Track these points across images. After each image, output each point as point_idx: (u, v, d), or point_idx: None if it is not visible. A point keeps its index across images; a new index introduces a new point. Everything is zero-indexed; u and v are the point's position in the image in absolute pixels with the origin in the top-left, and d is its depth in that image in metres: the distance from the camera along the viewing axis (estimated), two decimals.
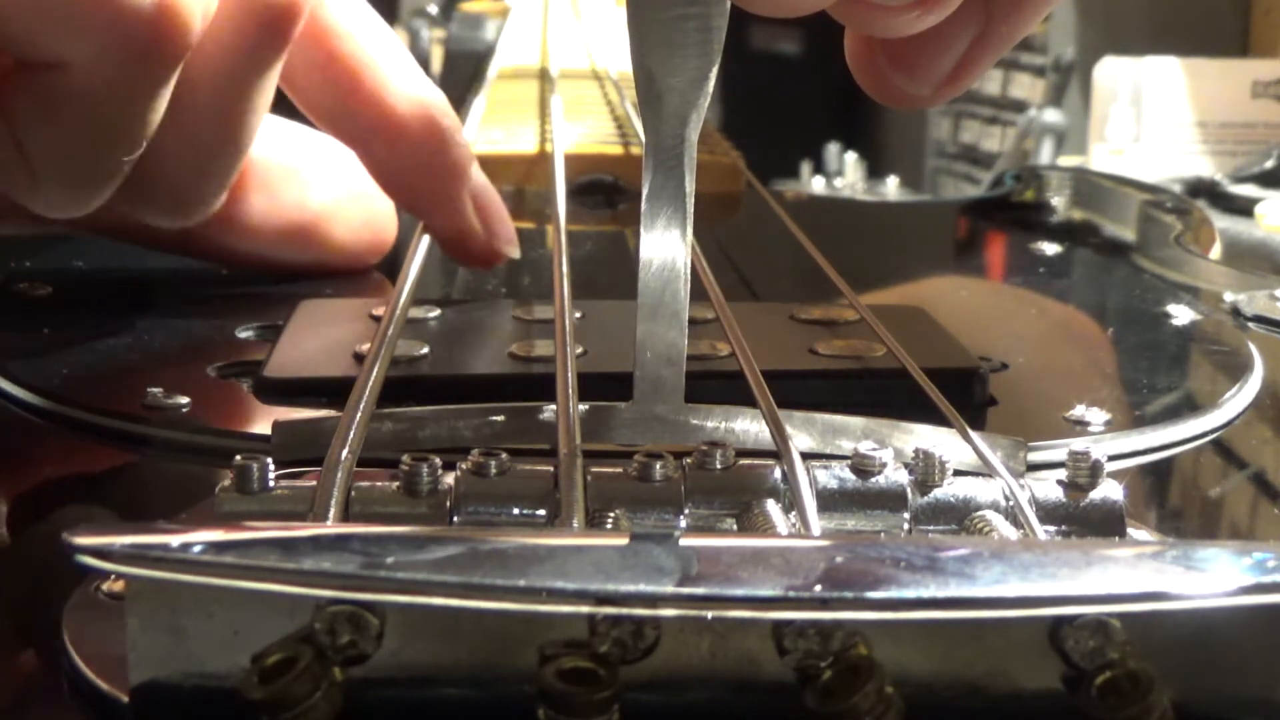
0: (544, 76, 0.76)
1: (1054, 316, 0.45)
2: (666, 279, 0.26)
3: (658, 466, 0.22)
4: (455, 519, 0.22)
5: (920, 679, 0.19)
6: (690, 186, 0.25)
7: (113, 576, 0.21)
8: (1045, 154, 1.42)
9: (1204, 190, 0.99)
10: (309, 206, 0.41)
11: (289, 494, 0.21)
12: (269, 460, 0.21)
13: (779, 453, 0.24)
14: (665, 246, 0.26)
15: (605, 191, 0.58)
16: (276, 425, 0.27)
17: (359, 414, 0.24)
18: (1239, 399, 0.34)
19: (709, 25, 0.24)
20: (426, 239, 0.37)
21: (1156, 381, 0.36)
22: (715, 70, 0.24)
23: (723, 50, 0.24)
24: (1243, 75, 1.18)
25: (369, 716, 0.18)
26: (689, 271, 0.26)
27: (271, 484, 0.21)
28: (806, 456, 0.23)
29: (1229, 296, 0.45)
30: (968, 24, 0.26)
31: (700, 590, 0.17)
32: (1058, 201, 0.66)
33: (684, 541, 0.18)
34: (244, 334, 0.36)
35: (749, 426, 0.28)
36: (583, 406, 0.26)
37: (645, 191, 0.25)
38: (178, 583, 0.17)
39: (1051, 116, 1.46)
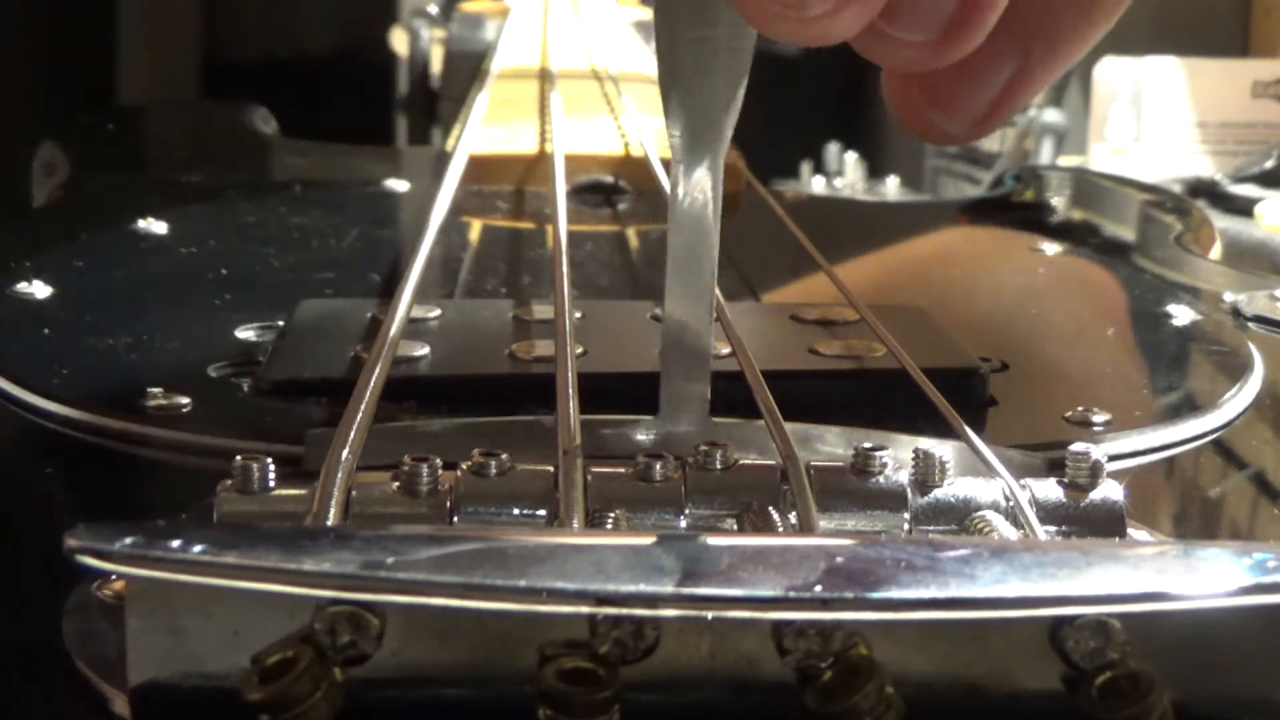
0: (544, 76, 0.75)
1: (1054, 317, 0.45)
2: (694, 304, 0.26)
3: (658, 466, 0.22)
4: (455, 519, 0.22)
5: (920, 679, 0.19)
6: (718, 203, 0.25)
7: (112, 576, 0.21)
8: (1045, 154, 1.41)
9: (1204, 190, 0.99)
10: None
11: (289, 495, 0.21)
12: (269, 460, 0.21)
13: (780, 453, 0.24)
14: (692, 272, 0.26)
15: (605, 191, 0.58)
16: (309, 436, 0.27)
17: (359, 415, 0.24)
18: (1239, 399, 0.34)
19: (736, 47, 0.24)
20: (428, 240, 0.37)
21: (1156, 381, 0.36)
22: (743, 90, 0.24)
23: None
24: (1243, 75, 1.18)
25: (369, 716, 0.18)
26: (715, 300, 0.26)
27: (271, 484, 0.21)
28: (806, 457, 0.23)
29: (1229, 296, 0.45)
30: (1005, 60, 0.25)
31: (700, 591, 0.17)
32: (1058, 201, 0.66)
33: (684, 542, 0.18)
34: (244, 334, 0.36)
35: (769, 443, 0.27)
36: (604, 418, 0.26)
37: (671, 212, 0.25)
38: (178, 583, 0.17)
39: (1051, 116, 1.45)
